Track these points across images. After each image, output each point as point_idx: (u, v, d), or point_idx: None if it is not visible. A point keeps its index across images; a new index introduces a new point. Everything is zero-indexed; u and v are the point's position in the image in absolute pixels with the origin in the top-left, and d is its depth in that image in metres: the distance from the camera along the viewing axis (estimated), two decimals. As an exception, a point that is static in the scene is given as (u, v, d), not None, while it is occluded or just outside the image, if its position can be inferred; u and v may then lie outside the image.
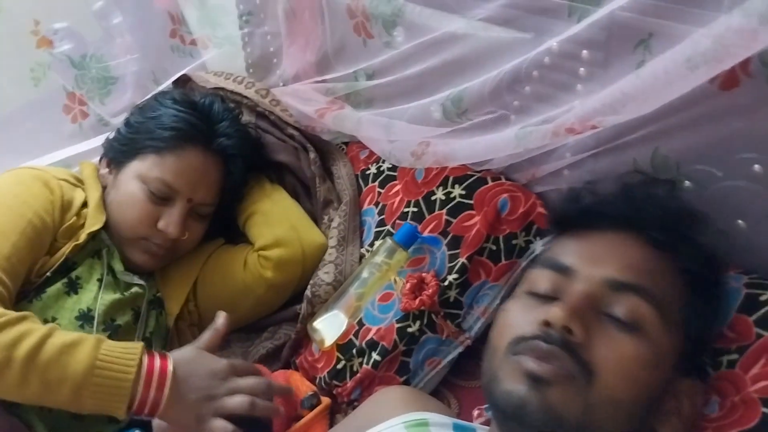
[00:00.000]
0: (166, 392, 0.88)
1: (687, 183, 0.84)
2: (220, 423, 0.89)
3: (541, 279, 0.75)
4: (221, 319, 1.00)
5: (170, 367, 0.90)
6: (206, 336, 0.99)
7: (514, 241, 1.02)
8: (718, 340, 0.76)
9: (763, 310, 0.74)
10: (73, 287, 1.07)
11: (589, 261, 0.73)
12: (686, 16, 0.72)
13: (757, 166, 0.76)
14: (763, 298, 0.75)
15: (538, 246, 1.01)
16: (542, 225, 1.01)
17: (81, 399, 0.87)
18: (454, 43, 1.00)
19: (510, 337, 0.71)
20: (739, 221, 0.80)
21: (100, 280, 1.10)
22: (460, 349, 1.04)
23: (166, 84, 1.39)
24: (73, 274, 1.08)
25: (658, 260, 0.73)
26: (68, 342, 0.89)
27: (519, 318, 0.73)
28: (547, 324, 0.68)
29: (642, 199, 0.79)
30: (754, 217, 0.79)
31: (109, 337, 1.05)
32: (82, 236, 1.09)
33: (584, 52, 0.87)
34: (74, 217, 1.10)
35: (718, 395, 0.74)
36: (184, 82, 1.42)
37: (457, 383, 1.06)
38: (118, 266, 1.12)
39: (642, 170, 0.85)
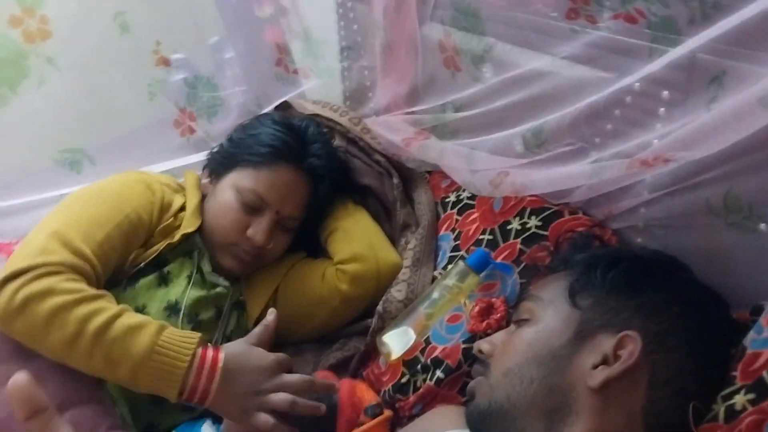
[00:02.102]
0: (215, 383, 0.95)
1: (762, 225, 0.85)
2: (263, 417, 0.96)
3: None
4: (271, 315, 1.05)
5: (221, 359, 0.96)
6: (256, 331, 1.04)
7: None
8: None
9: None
10: (164, 280, 1.17)
11: None
12: (760, 58, 0.74)
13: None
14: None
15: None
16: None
17: (138, 378, 0.95)
18: (538, 79, 1.05)
19: None
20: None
21: (189, 277, 1.18)
22: (522, 376, 1.06)
23: (270, 107, 1.49)
24: (165, 269, 1.17)
25: (551, 277, 0.92)
26: (134, 324, 0.97)
27: None
28: None
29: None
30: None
31: (192, 329, 1.14)
32: (177, 236, 1.18)
33: (664, 92, 0.90)
34: (171, 218, 1.20)
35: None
36: (284, 108, 1.52)
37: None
38: (207, 267, 1.21)
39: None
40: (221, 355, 0.97)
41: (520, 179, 1.07)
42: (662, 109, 0.91)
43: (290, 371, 1.01)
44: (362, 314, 1.26)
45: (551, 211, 1.10)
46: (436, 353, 1.08)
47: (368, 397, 1.10)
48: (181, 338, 0.97)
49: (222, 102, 1.50)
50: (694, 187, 0.91)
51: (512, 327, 0.91)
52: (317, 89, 1.59)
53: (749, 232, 0.86)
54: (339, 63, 1.54)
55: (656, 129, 0.92)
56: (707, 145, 0.77)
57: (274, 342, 1.21)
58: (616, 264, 0.85)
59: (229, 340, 1.20)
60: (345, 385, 1.10)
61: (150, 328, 0.97)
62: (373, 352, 1.19)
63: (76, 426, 0.96)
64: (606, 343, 0.79)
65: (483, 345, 0.90)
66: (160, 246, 1.17)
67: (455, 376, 1.05)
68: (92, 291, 1.00)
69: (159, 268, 1.17)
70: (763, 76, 0.71)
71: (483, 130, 1.18)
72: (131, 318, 0.98)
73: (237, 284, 1.26)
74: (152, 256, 1.16)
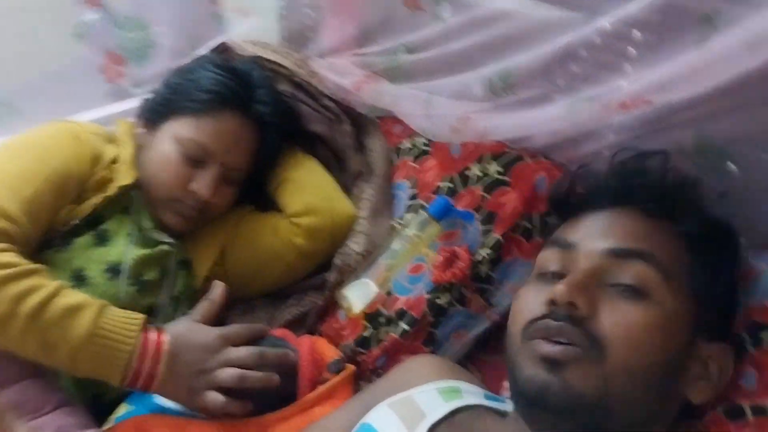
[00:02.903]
0: (161, 367, 0.90)
1: (731, 165, 0.84)
2: (212, 395, 0.92)
3: (548, 259, 0.78)
4: (217, 289, 1.00)
5: (165, 342, 0.91)
6: (201, 307, 0.99)
7: (548, 220, 1.02)
8: (761, 315, 0.76)
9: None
10: (102, 239, 1.08)
11: (591, 236, 0.76)
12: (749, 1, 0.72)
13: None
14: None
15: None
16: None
17: (77, 363, 0.89)
18: (502, 19, 1.00)
19: (523, 322, 0.74)
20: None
21: (129, 234, 1.10)
22: (487, 324, 1.05)
23: (205, 49, 1.38)
24: (102, 227, 1.09)
25: (659, 227, 0.75)
26: (73, 305, 0.90)
27: (530, 302, 0.75)
28: (553, 302, 0.70)
29: (634, 174, 0.82)
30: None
31: (137, 292, 1.07)
32: (112, 189, 1.09)
33: (636, 32, 0.87)
34: (104, 171, 1.11)
35: (756, 369, 0.74)
36: (221, 50, 1.42)
37: (481, 357, 1.07)
38: (147, 224, 1.13)
39: (633, 146, 0.86)
40: (165, 338, 0.92)
41: (483, 124, 1.03)
42: (632, 50, 0.88)
43: (240, 344, 0.96)
44: (317, 268, 1.20)
45: (512, 156, 1.06)
46: (399, 305, 1.05)
47: (329, 353, 1.07)
48: (125, 320, 0.91)
49: (152, 44, 1.39)
50: (664, 129, 0.89)
51: (606, 287, 0.71)
52: (254, 29, 1.48)
53: (717, 172, 0.85)
54: (276, 1, 1.45)
55: (625, 71, 0.89)
56: (691, 86, 0.75)
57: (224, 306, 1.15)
58: (730, 240, 0.77)
59: (177, 302, 1.14)
60: (305, 343, 1.06)
61: (90, 309, 0.90)
62: (330, 306, 1.15)
63: (20, 406, 0.90)
64: (702, 348, 0.72)
65: (576, 298, 0.69)
66: (95, 200, 1.07)
67: (420, 328, 1.03)
68: (26, 265, 0.92)
69: (95, 225, 1.08)
70: (753, 20, 0.69)
71: (441, 73, 1.13)
72: (69, 297, 0.91)
73: (181, 241, 1.18)
74: (87, 212, 1.07)
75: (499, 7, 1.00)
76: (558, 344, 0.68)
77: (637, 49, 0.87)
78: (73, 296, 0.92)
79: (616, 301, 0.70)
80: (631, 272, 0.70)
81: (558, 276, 0.75)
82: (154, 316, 1.09)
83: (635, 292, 0.70)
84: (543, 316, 0.71)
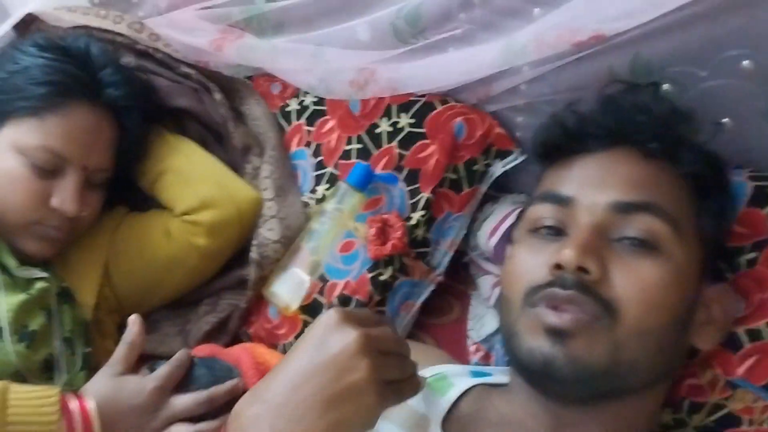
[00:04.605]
0: None
1: (666, 86, 0.82)
2: None
3: (541, 215, 0.71)
4: (135, 327, 0.83)
5: (92, 409, 0.76)
6: (120, 354, 0.82)
7: (474, 167, 0.96)
8: (731, 238, 0.76)
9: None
10: None
11: (589, 187, 0.69)
12: None
13: (746, 62, 0.74)
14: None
15: (498, 168, 0.97)
16: (502, 146, 0.96)
17: None
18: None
19: (524, 287, 0.68)
20: (725, 119, 0.80)
21: (-6, 282, 0.89)
22: (432, 288, 0.98)
23: (8, 25, 1.11)
24: None
25: (660, 172, 0.70)
26: None
27: (528, 263, 0.69)
28: (559, 267, 0.64)
29: (628, 110, 0.75)
30: (741, 114, 0.78)
31: (28, 348, 0.88)
32: None
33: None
34: None
35: (742, 295, 0.74)
36: (27, 23, 1.15)
37: (429, 322, 1.01)
38: (11, 261, 0.92)
39: (622, 78, 0.80)
40: (91, 405, 0.76)
41: (390, 75, 0.92)
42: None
43: (174, 386, 0.82)
44: (225, 265, 1.05)
45: (420, 103, 0.97)
46: (339, 290, 0.95)
47: (273, 359, 0.95)
48: (36, 399, 0.74)
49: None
50: (589, 57, 0.84)
51: (611, 242, 0.66)
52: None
53: (660, 94, 0.82)
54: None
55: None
56: (651, 10, 0.70)
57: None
58: (728, 192, 0.73)
59: (70, 345, 0.94)
60: (243, 356, 0.92)
61: None
62: (255, 306, 1.02)
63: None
64: (704, 292, 0.68)
65: (586, 262, 0.63)
66: (-60, 252, 0.85)
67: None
68: None
69: (-52, 281, 0.85)
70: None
71: (320, 20, 0.99)
72: None
73: (52, 269, 0.97)
74: None
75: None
76: (565, 313, 0.63)
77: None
78: None
79: (626, 257, 0.64)
80: (637, 225, 0.65)
81: (555, 232, 0.69)
82: (50, 370, 0.90)
83: (644, 246, 0.65)
84: (548, 284, 0.65)
